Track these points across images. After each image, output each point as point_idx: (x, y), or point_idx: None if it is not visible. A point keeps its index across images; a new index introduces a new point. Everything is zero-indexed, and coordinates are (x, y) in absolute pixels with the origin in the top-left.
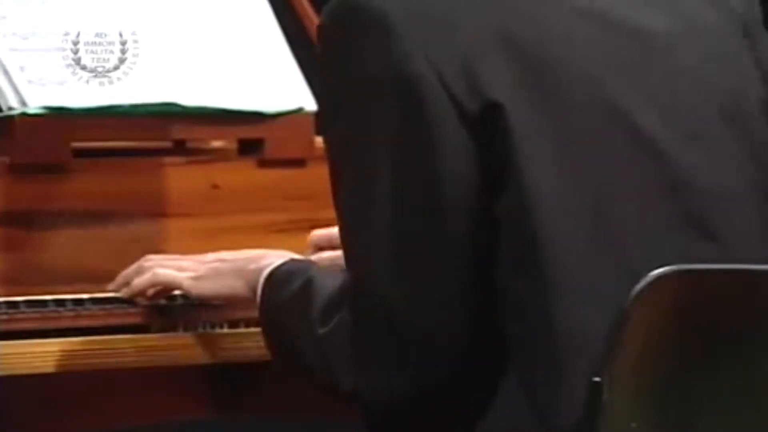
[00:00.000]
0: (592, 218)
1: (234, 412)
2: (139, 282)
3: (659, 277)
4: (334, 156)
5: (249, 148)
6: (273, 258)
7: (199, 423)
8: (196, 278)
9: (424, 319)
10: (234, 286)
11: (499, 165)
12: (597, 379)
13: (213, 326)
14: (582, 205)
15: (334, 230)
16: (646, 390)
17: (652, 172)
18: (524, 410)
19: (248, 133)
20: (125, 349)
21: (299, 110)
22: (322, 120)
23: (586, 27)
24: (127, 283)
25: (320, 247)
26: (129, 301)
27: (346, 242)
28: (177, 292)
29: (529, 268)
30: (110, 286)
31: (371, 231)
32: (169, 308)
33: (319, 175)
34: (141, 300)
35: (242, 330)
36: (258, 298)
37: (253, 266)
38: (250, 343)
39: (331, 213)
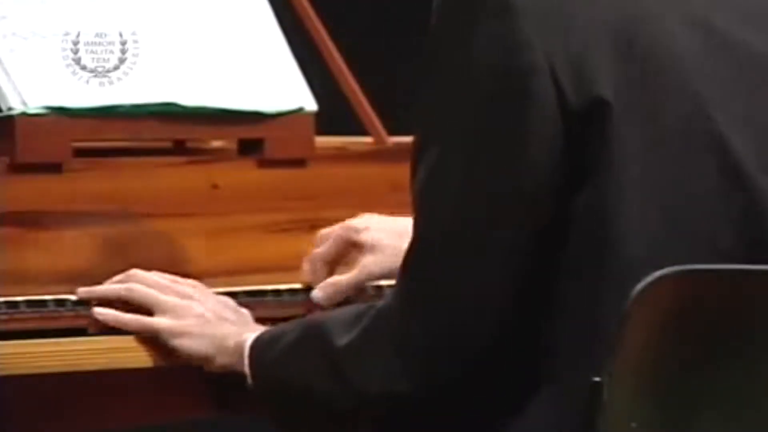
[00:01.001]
0: (663, 233)
1: (234, 412)
2: (120, 321)
3: (660, 278)
4: (425, 127)
5: (249, 148)
6: (254, 331)
7: (199, 423)
8: (173, 333)
9: (476, 297)
10: (208, 352)
11: (589, 163)
12: (597, 379)
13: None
14: (655, 215)
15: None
16: (646, 390)
17: (730, 194)
18: (560, 415)
19: (248, 133)
20: (125, 349)
21: (299, 110)
22: (420, 87)
23: (692, 37)
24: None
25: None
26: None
27: (418, 209)
28: None
29: (588, 278)
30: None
31: (447, 202)
32: None
33: (319, 175)
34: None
35: None
36: (246, 366)
37: (233, 340)
38: None
39: (331, 213)
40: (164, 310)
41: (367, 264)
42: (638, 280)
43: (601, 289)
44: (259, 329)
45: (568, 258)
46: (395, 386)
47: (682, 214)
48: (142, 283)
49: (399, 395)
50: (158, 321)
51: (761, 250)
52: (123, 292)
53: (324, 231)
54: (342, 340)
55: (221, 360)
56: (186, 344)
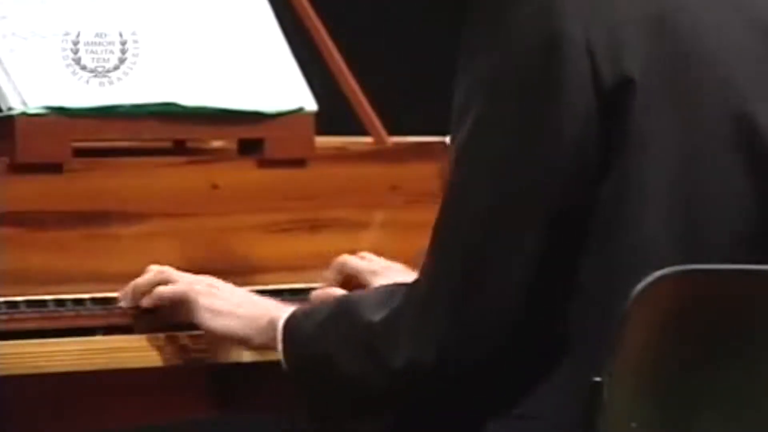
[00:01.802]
0: (683, 218)
1: (234, 412)
2: (166, 292)
3: (660, 277)
4: (464, 95)
5: (249, 148)
6: (286, 310)
7: (199, 423)
8: (213, 312)
9: (498, 276)
10: (246, 332)
11: (616, 142)
12: (597, 378)
13: (148, 330)
14: (676, 202)
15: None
16: (646, 390)
17: (756, 179)
18: (576, 396)
19: (248, 133)
20: (125, 349)
21: (299, 110)
22: (461, 59)
23: (730, 22)
24: (142, 292)
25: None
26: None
27: (450, 185)
28: None
29: (607, 259)
30: (120, 294)
31: (477, 175)
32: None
33: (319, 175)
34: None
35: None
36: (279, 343)
37: (267, 318)
38: None
39: (331, 213)
40: (197, 293)
41: (375, 282)
42: (654, 266)
43: (619, 272)
44: (291, 308)
45: (588, 241)
46: (421, 357)
47: (704, 200)
48: (181, 281)
49: (423, 366)
50: (198, 298)
51: None
52: (176, 293)
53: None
54: (375, 317)
55: (259, 339)
56: (222, 324)
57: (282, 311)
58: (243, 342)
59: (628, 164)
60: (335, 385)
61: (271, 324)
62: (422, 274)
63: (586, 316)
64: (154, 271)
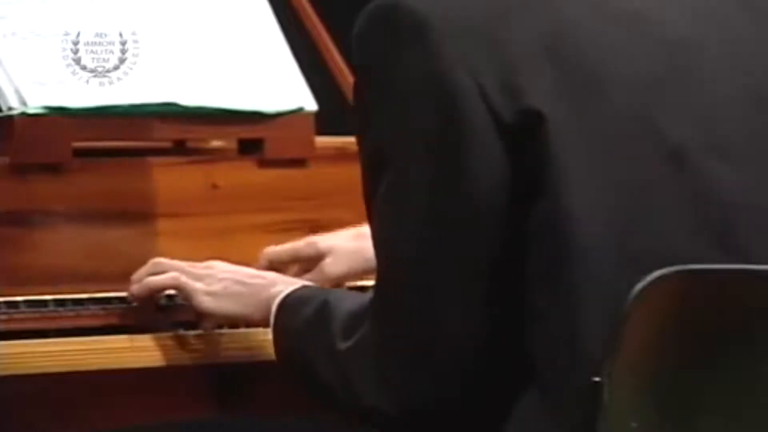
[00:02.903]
0: (620, 230)
1: (234, 412)
2: (155, 280)
3: (660, 278)
4: (368, 161)
5: (249, 148)
6: (284, 285)
7: (199, 423)
8: (210, 294)
9: (446, 328)
10: (244, 311)
11: (535, 176)
12: (597, 379)
13: (166, 328)
14: (611, 217)
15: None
16: (646, 390)
17: (679, 184)
18: (545, 426)
19: (248, 133)
20: (125, 349)
21: (299, 110)
22: (356, 124)
23: (626, 35)
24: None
25: (273, 266)
26: (129, 301)
27: (377, 247)
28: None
29: (556, 282)
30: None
31: (402, 237)
32: (169, 308)
33: (319, 175)
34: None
35: (242, 330)
36: (271, 326)
37: (264, 294)
38: (249, 343)
39: (331, 213)
40: (191, 277)
41: (323, 266)
42: (602, 287)
43: (570, 293)
44: (289, 283)
45: (534, 272)
46: (384, 406)
47: (634, 208)
48: (174, 268)
49: (387, 414)
50: (192, 282)
51: (718, 238)
52: (168, 281)
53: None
54: (342, 343)
55: (258, 315)
56: (220, 305)
57: (279, 287)
58: (245, 320)
59: (557, 193)
60: (315, 385)
61: (268, 301)
62: (373, 317)
63: (550, 340)
64: (149, 263)
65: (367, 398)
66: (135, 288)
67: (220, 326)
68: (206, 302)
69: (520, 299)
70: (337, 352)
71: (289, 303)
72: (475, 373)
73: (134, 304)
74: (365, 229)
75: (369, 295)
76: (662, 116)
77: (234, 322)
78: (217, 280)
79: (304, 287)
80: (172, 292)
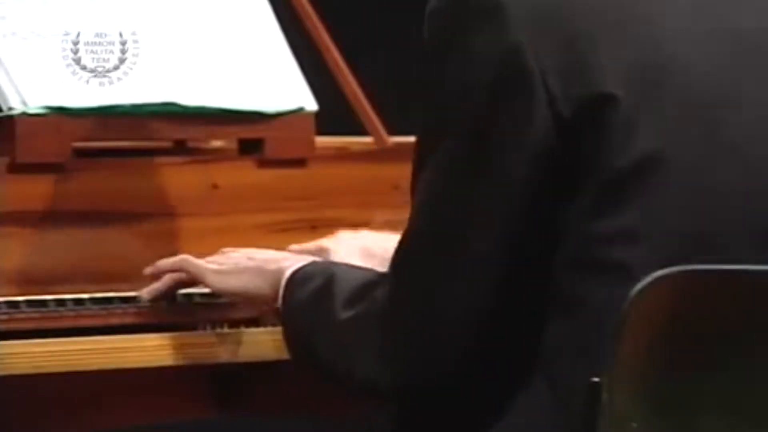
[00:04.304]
0: (672, 231)
1: (234, 412)
2: (164, 263)
3: (660, 278)
4: (423, 132)
5: (249, 148)
6: (294, 260)
7: (199, 423)
8: (219, 272)
9: (458, 303)
10: (256, 284)
11: (590, 164)
12: (596, 379)
13: (213, 326)
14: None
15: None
16: (646, 390)
17: (739, 183)
18: (551, 415)
19: (248, 133)
20: (125, 349)
21: (299, 110)
22: (419, 97)
23: (693, 27)
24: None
25: None
26: (129, 301)
27: (411, 213)
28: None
29: (598, 270)
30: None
31: (433, 209)
32: (168, 308)
33: (319, 175)
34: (152, 296)
35: (242, 330)
36: (279, 299)
37: (274, 267)
38: (250, 343)
39: (331, 213)
40: (205, 260)
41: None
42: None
43: (601, 289)
44: (300, 259)
45: (571, 257)
46: (377, 379)
47: (702, 214)
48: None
49: (379, 388)
50: (201, 262)
51: None
52: (177, 263)
53: (295, 247)
54: (344, 313)
55: (269, 289)
56: (231, 282)
57: (289, 261)
58: (257, 295)
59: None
60: (317, 362)
61: (278, 275)
62: (384, 290)
63: (564, 327)
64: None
65: (363, 369)
66: (148, 270)
67: (221, 326)
68: (216, 280)
69: (545, 288)
70: (339, 322)
71: (298, 277)
72: (479, 354)
73: (146, 296)
74: (374, 249)
75: (376, 270)
76: (724, 111)
77: (245, 298)
78: (227, 258)
79: (314, 262)
80: (191, 290)
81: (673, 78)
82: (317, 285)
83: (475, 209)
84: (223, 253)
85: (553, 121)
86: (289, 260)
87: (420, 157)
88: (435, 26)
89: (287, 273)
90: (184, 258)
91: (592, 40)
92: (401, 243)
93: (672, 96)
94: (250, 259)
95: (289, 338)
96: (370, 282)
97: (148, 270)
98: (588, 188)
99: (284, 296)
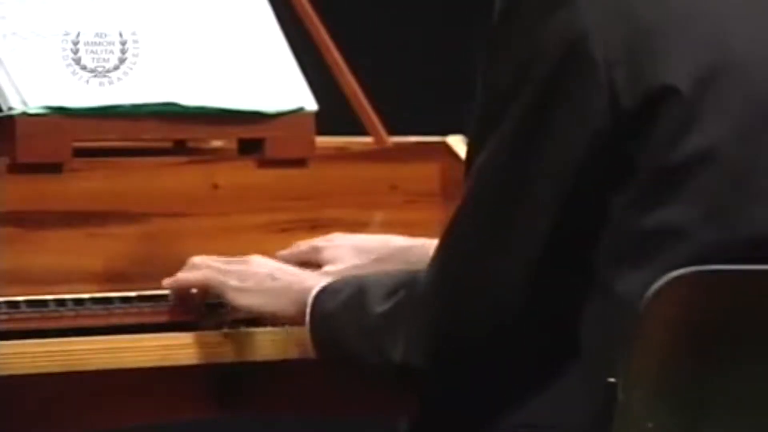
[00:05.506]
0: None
1: (234, 412)
2: (186, 276)
3: (677, 278)
4: (480, 122)
5: (249, 148)
6: (318, 279)
7: (199, 423)
8: (241, 290)
9: (498, 280)
10: (279, 304)
11: (640, 158)
12: (612, 379)
13: (214, 327)
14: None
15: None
16: (662, 390)
17: None
18: (583, 402)
19: (248, 133)
20: (125, 349)
21: (299, 110)
22: (483, 63)
23: (759, 29)
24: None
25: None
26: (129, 301)
27: (465, 191)
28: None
29: (638, 261)
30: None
31: (486, 188)
32: (168, 308)
33: (319, 175)
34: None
35: (243, 330)
36: (307, 316)
37: (298, 287)
38: (249, 343)
39: (331, 213)
40: (222, 273)
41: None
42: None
43: (638, 281)
44: (322, 279)
45: (606, 248)
46: (411, 360)
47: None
48: (209, 266)
49: (415, 370)
50: (224, 279)
51: None
52: (199, 278)
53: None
54: (379, 307)
55: (293, 309)
56: (253, 301)
57: (314, 280)
58: (279, 315)
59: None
60: (353, 365)
61: (303, 295)
62: (426, 272)
63: (601, 318)
64: (187, 262)
65: (397, 353)
66: (167, 282)
67: (221, 326)
68: (239, 298)
69: (585, 273)
70: (375, 315)
71: (326, 294)
72: (516, 339)
73: (172, 302)
74: (367, 246)
75: (407, 271)
76: None
77: (267, 317)
78: (249, 276)
79: (341, 278)
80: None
81: (735, 78)
82: (348, 294)
83: (528, 187)
84: (245, 262)
85: (612, 111)
86: (313, 279)
87: (477, 139)
88: (509, 7)
89: (313, 292)
90: (205, 273)
91: (659, 33)
92: (452, 219)
93: (733, 96)
94: (274, 279)
95: (319, 343)
96: (406, 277)
97: (167, 282)
98: (639, 180)
99: (311, 313)
